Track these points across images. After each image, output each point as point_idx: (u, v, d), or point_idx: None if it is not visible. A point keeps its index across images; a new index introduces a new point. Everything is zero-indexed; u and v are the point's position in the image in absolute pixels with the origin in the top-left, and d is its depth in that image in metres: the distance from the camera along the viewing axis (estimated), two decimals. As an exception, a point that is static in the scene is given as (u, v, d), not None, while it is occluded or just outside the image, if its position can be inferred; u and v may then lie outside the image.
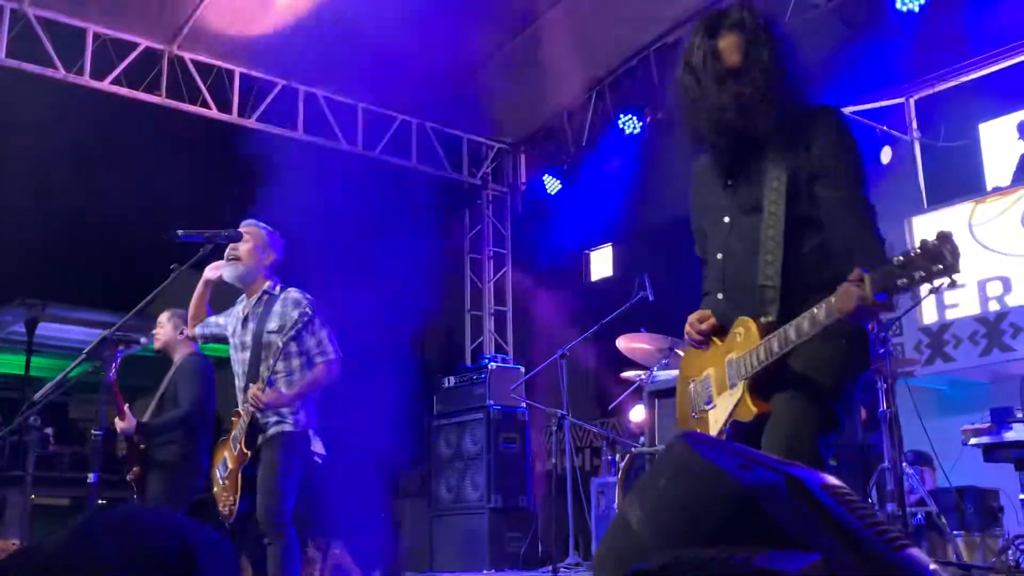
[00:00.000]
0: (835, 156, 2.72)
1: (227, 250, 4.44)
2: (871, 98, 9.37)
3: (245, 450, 4.23)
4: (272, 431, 4.32)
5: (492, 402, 7.87)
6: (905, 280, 2.20)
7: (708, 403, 2.85)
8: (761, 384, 2.65)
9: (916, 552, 1.15)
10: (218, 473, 4.42)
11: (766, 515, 1.09)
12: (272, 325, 4.36)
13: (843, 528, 1.08)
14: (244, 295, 4.60)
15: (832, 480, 1.21)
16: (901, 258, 2.22)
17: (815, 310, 2.47)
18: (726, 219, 2.87)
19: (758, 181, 2.77)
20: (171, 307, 5.73)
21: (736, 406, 2.70)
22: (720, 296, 2.87)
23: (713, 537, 1.12)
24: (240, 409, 4.36)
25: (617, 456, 6.70)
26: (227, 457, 4.36)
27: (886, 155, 9.68)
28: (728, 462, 1.17)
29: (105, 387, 4.47)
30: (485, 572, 7.16)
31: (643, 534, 1.19)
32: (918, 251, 2.16)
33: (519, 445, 7.96)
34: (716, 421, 2.79)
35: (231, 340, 4.58)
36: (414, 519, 7.96)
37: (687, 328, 2.90)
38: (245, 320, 4.51)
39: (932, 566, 1.12)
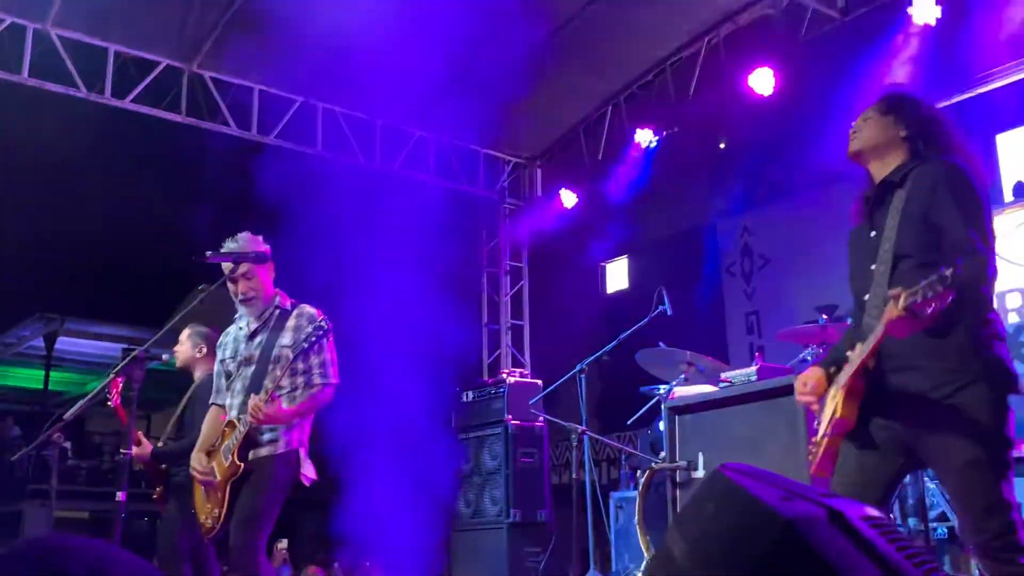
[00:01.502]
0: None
1: (239, 290, 4.35)
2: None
3: (238, 462, 4.11)
4: (264, 451, 4.18)
5: (510, 417, 7.88)
6: (920, 298, 2.45)
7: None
8: (857, 396, 2.84)
9: (955, 583, 1.17)
10: (198, 473, 4.31)
11: (808, 547, 1.11)
12: (286, 340, 4.25)
13: (885, 561, 1.10)
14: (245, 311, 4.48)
15: (873, 512, 1.23)
16: (926, 278, 2.47)
17: (878, 326, 2.68)
18: None
19: None
20: (193, 323, 5.75)
21: (831, 413, 2.88)
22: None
23: (756, 569, 1.14)
24: (235, 419, 4.23)
25: (637, 472, 6.69)
26: (215, 468, 4.22)
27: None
28: (769, 494, 1.19)
29: (118, 410, 4.52)
30: (504, 587, 7.17)
31: (686, 565, 1.21)
32: (935, 276, 2.44)
33: (537, 460, 7.95)
34: (822, 426, 2.95)
35: (227, 361, 4.46)
36: (433, 534, 7.97)
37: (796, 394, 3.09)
38: (253, 335, 4.38)
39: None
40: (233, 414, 4.26)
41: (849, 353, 2.90)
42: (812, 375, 3.04)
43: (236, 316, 4.53)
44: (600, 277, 11.46)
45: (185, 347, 5.70)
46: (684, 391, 6.02)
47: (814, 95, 8.20)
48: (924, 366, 2.77)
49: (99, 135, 8.68)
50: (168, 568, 5.26)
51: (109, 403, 4.62)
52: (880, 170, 3.03)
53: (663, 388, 6.39)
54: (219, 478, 4.15)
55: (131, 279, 11.62)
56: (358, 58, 8.08)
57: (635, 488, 6.83)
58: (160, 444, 5.51)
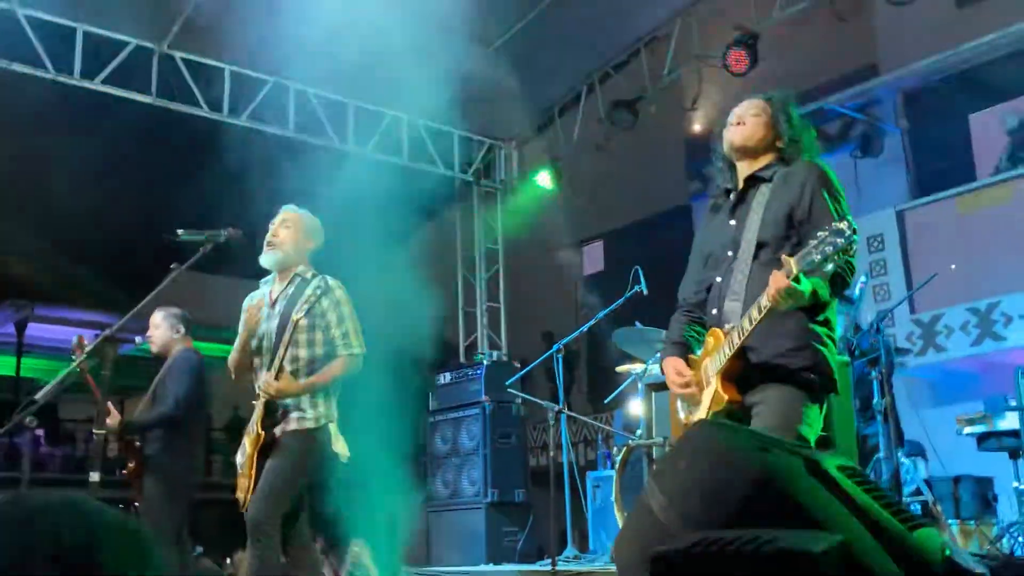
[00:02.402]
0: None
1: (268, 235, 4.23)
2: (860, 91, 9.41)
3: (260, 431, 4.02)
4: (292, 425, 4.06)
5: (487, 398, 7.88)
6: (818, 256, 2.59)
7: (692, 409, 3.15)
8: (732, 377, 2.96)
9: (931, 531, 1.17)
10: (238, 460, 4.20)
11: (786, 495, 1.11)
12: (302, 311, 4.06)
13: (862, 509, 1.10)
14: (271, 278, 4.34)
15: (847, 462, 1.23)
16: (812, 240, 2.62)
17: (761, 297, 2.80)
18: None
19: None
20: (165, 306, 5.68)
21: (712, 399, 2.99)
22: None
23: (735, 518, 1.13)
24: (259, 392, 4.13)
25: (614, 450, 6.71)
26: (246, 442, 4.13)
27: (876, 147, 9.72)
28: (746, 445, 1.19)
29: (92, 384, 4.45)
30: (483, 567, 7.16)
31: (665, 518, 1.20)
32: (827, 230, 2.60)
33: (515, 440, 7.97)
34: (701, 417, 3.04)
35: (255, 329, 4.26)
36: (411, 515, 7.96)
37: (671, 385, 3.19)
38: (273, 304, 4.24)
39: (946, 541, 1.14)
40: (257, 385, 4.17)
41: (710, 339, 3.06)
42: (680, 366, 3.16)
43: (263, 280, 4.38)
44: (577, 259, 11.46)
45: (162, 330, 5.62)
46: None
47: (790, 71, 8.23)
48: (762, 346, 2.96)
49: (68, 116, 8.54)
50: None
51: (78, 367, 4.49)
52: (749, 167, 3.18)
53: (640, 367, 6.41)
54: (249, 449, 4.08)
55: (102, 264, 11.48)
56: (331, 38, 8.00)
57: (612, 468, 6.86)
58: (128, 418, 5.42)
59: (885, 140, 9.64)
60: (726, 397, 2.94)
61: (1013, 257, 8.14)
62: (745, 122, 3.16)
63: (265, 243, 4.25)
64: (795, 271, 2.65)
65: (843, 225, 2.57)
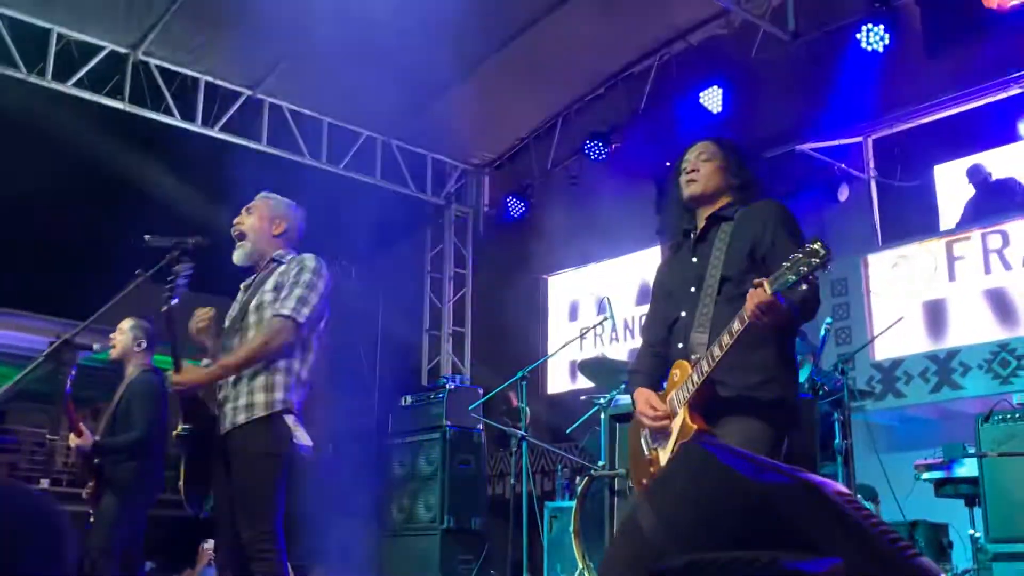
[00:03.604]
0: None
1: (235, 220, 3.92)
2: (831, 136, 9.55)
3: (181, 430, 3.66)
4: (240, 417, 3.57)
5: (449, 422, 7.81)
6: (792, 276, 2.62)
7: (657, 441, 3.11)
8: (700, 407, 2.97)
9: (927, 561, 1.16)
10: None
11: (783, 518, 1.09)
12: (268, 286, 3.69)
13: (860, 534, 1.08)
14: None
15: (843, 488, 1.21)
16: (787, 261, 2.65)
17: (732, 323, 2.83)
18: None
19: None
20: (130, 315, 5.59)
21: (680, 430, 2.98)
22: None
23: (730, 539, 1.11)
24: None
25: (576, 479, 6.67)
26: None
27: (843, 193, 9.84)
28: (743, 465, 1.17)
29: (64, 396, 4.34)
30: (436, 594, 7.09)
31: (657, 537, 1.18)
32: (800, 252, 2.62)
33: (475, 467, 7.90)
34: (666, 453, 3.05)
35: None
36: (365, 539, 7.86)
37: (644, 420, 3.11)
38: (247, 289, 3.88)
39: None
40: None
41: (675, 371, 3.07)
42: (652, 398, 3.11)
43: (243, 284, 4.03)
44: (543, 289, 11.45)
45: (125, 337, 5.53)
46: (626, 399, 6.03)
47: (763, 115, 8.32)
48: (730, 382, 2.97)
49: (37, 120, 8.41)
50: (99, 567, 5.10)
51: (67, 381, 4.35)
52: (708, 209, 3.23)
53: (604, 398, 6.39)
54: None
55: (62, 269, 11.29)
56: (309, 54, 7.99)
57: (571, 498, 6.82)
58: (98, 439, 5.31)
59: (852, 186, 9.76)
60: (694, 427, 2.92)
61: (971, 307, 8.24)
62: (699, 169, 3.20)
63: (234, 235, 3.93)
64: (770, 291, 2.68)
65: (817, 246, 2.59)
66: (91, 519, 5.27)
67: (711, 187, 3.19)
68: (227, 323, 3.92)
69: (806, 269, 2.59)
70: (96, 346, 5.68)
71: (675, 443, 2.98)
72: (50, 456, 4.52)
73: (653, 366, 3.26)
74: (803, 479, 1.14)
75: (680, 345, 3.12)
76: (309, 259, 3.78)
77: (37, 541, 1.11)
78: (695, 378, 2.95)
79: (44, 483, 4.20)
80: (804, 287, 2.70)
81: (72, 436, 5.02)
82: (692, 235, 3.24)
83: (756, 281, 2.73)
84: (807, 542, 1.07)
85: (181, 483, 3.82)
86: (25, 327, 12.89)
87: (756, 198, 3.21)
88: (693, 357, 3.00)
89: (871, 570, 1.04)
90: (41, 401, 12.04)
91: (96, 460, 5.23)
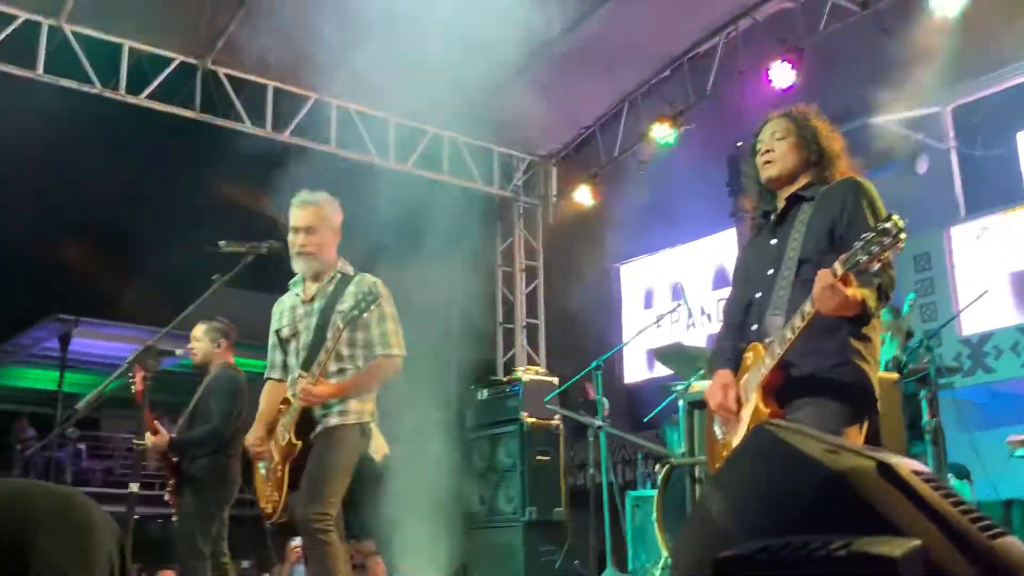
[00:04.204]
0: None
1: (298, 242, 4.06)
2: (907, 107, 9.28)
3: (295, 440, 3.87)
4: (328, 423, 3.91)
5: (526, 414, 7.80)
6: (864, 256, 2.52)
7: (729, 426, 3.06)
8: (773, 391, 2.89)
9: (1014, 540, 1.10)
10: (261, 467, 4.05)
11: (858, 500, 1.04)
12: (344, 306, 3.91)
13: (939, 514, 1.03)
14: (299, 279, 4.20)
15: (920, 466, 1.16)
16: (858, 242, 2.55)
17: (805, 304, 2.75)
18: None
19: None
20: (207, 319, 5.71)
21: (752, 414, 2.90)
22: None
23: (802, 523, 1.07)
24: (289, 397, 3.98)
25: (656, 467, 6.61)
26: (272, 449, 3.97)
27: (922, 165, 9.58)
28: (814, 448, 1.12)
29: (143, 398, 4.44)
30: (520, 585, 7.09)
31: (727, 523, 1.14)
32: (872, 231, 2.53)
33: (553, 458, 7.87)
34: (738, 438, 2.96)
35: (283, 330, 4.18)
36: (448, 533, 7.89)
37: (711, 400, 3.08)
38: (311, 300, 4.09)
39: (1032, 554, 1.07)
40: (289, 391, 4.02)
41: (749, 354, 3.01)
42: (729, 387, 3.05)
43: (291, 282, 4.24)
44: (615, 278, 11.38)
45: (203, 343, 5.65)
46: (703, 385, 5.94)
47: (835, 89, 8.12)
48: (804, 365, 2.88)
49: (115, 133, 8.66)
50: (190, 569, 5.21)
51: (133, 386, 4.49)
52: (788, 189, 3.13)
53: (681, 385, 6.31)
54: (276, 457, 3.92)
55: (145, 279, 11.60)
56: (372, 55, 8.04)
57: (652, 487, 6.76)
58: (173, 436, 5.44)
59: (931, 158, 9.49)
60: (767, 411, 2.85)
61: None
62: (774, 150, 3.10)
63: (296, 253, 4.09)
64: (841, 270, 2.58)
65: (889, 224, 2.48)
66: (174, 519, 5.39)
67: (789, 168, 3.09)
68: (288, 331, 4.13)
69: (878, 248, 2.50)
70: (179, 351, 5.84)
71: (747, 428, 2.91)
72: (140, 460, 4.64)
73: (733, 349, 3.18)
74: (877, 459, 1.09)
75: (755, 327, 3.05)
76: (377, 286, 3.98)
77: (54, 537, 1.06)
78: (768, 361, 2.88)
79: (134, 486, 4.28)
80: (877, 270, 2.62)
81: (148, 436, 5.11)
82: (772, 217, 3.17)
83: (834, 266, 2.63)
84: (884, 524, 1.02)
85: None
86: (112, 336, 13.29)
87: (836, 172, 3.09)
88: (767, 340, 2.94)
89: (952, 551, 0.99)
90: (132, 408, 12.40)
91: (174, 458, 5.34)
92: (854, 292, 2.65)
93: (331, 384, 3.90)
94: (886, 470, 1.07)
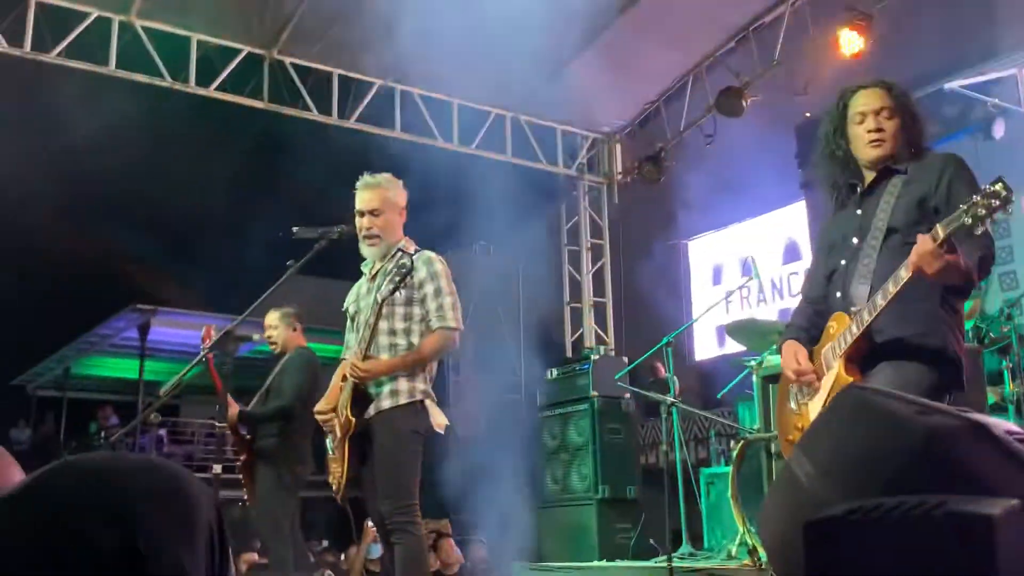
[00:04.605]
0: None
1: (364, 224, 4.09)
2: (980, 70, 9.01)
3: (351, 416, 3.85)
4: (385, 403, 3.89)
5: (596, 393, 7.79)
6: (969, 219, 2.43)
7: (807, 396, 3.02)
8: (857, 360, 2.84)
9: (1117, 500, 1.07)
10: (328, 444, 4.07)
11: (951, 459, 1.03)
12: (391, 286, 3.85)
13: (1037, 473, 1.01)
14: (370, 260, 4.21)
15: (1014, 427, 1.14)
16: (963, 204, 2.47)
17: (899, 270, 2.69)
18: None
19: None
20: (275, 307, 5.81)
21: (834, 383, 2.85)
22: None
23: (893, 484, 1.05)
24: (347, 373, 3.95)
25: (731, 442, 6.57)
26: (335, 426, 3.97)
27: (999, 129, 9.30)
28: (904, 408, 1.11)
29: (226, 379, 4.54)
30: (596, 563, 7.09)
31: (815, 487, 1.13)
32: (978, 195, 2.44)
33: (625, 435, 7.86)
34: (816, 407, 2.94)
35: (349, 309, 4.24)
36: (522, 511, 7.93)
37: (786, 370, 3.05)
38: (373, 278, 4.10)
39: None
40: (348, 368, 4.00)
41: (833, 323, 2.95)
42: (800, 352, 3.02)
43: (363, 264, 4.26)
44: (683, 255, 11.28)
45: (280, 329, 5.77)
46: (777, 360, 5.87)
47: (905, 54, 7.92)
48: (888, 330, 2.84)
49: (186, 125, 8.84)
50: (273, 546, 5.30)
51: (204, 357, 4.58)
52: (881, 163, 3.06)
53: (754, 360, 6.24)
54: (339, 433, 3.94)
55: (219, 268, 11.84)
56: (433, 39, 8.07)
57: (726, 464, 6.71)
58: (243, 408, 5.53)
59: (1008, 122, 9.20)
60: (849, 380, 2.80)
61: None
62: (884, 129, 3.00)
63: (363, 237, 4.12)
64: (943, 233, 2.51)
65: (998, 187, 2.40)
66: (244, 497, 5.47)
67: (897, 148, 3.02)
68: (354, 309, 4.17)
69: (984, 212, 2.41)
70: (256, 336, 5.96)
71: (828, 397, 2.86)
72: (221, 444, 4.75)
73: (809, 321, 3.13)
74: (969, 418, 1.07)
75: (839, 295, 2.99)
76: (439, 262, 4.04)
77: (158, 510, 1.04)
78: (854, 329, 2.83)
79: (217, 468, 4.39)
80: (982, 242, 2.58)
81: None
82: (859, 189, 3.10)
83: (930, 234, 2.56)
84: (978, 484, 1.00)
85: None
86: (190, 324, 13.60)
87: (923, 143, 3.05)
88: (852, 309, 2.89)
89: (1052, 511, 0.97)
90: (211, 394, 12.69)
91: (247, 436, 5.42)
92: (960, 259, 2.57)
93: (380, 360, 3.89)
94: (980, 429, 1.05)
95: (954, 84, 8.86)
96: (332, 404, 4.05)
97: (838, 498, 1.08)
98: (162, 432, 15.99)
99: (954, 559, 0.89)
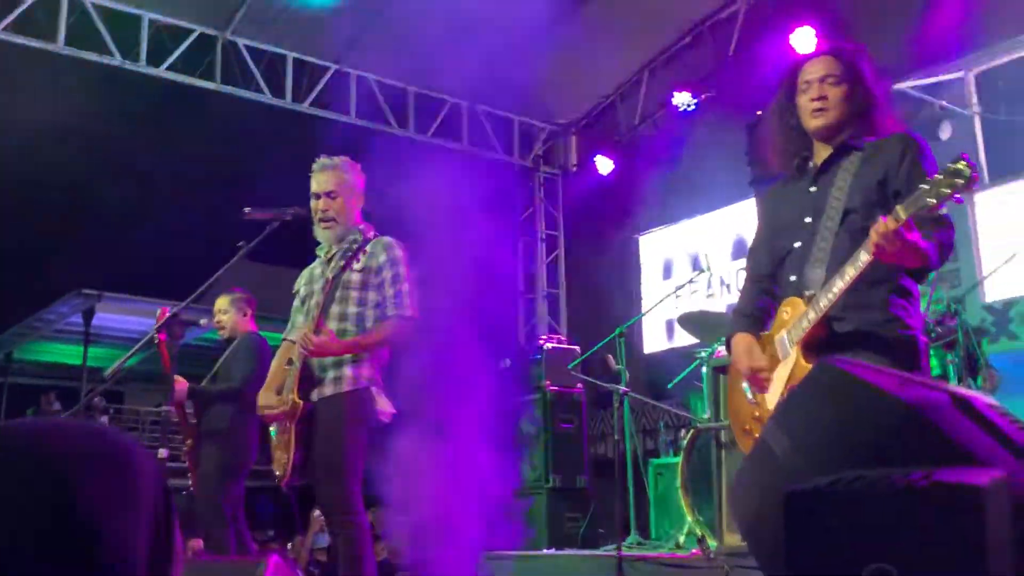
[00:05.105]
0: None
1: (319, 207, 3.99)
2: (930, 72, 9.17)
3: (297, 400, 3.73)
4: (328, 389, 3.80)
5: (549, 383, 7.81)
6: (932, 199, 2.36)
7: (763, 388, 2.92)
8: (815, 348, 2.73)
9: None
10: (272, 430, 3.96)
11: (935, 430, 1.03)
12: (358, 265, 3.80)
13: (1014, 442, 1.02)
14: (325, 245, 4.12)
15: (994, 401, 1.15)
16: (924, 184, 2.39)
17: (858, 253, 2.59)
18: None
19: None
20: (225, 292, 5.73)
21: (791, 372, 2.76)
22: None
23: (873, 457, 1.06)
24: (292, 356, 3.85)
25: (681, 432, 6.62)
26: (282, 411, 3.84)
27: (945, 131, 9.48)
28: (885, 381, 1.11)
29: (173, 361, 4.47)
30: (545, 551, 7.11)
31: (793, 460, 1.13)
32: (941, 174, 2.36)
33: (576, 426, 7.89)
34: (773, 396, 2.84)
35: (300, 291, 4.14)
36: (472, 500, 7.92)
37: (738, 364, 2.96)
38: (329, 261, 3.99)
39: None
40: (294, 350, 3.89)
41: (786, 309, 2.84)
42: (753, 347, 2.92)
43: (317, 248, 4.14)
44: (635, 249, 11.34)
45: (230, 314, 5.68)
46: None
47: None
48: (849, 318, 2.76)
49: (134, 105, 8.66)
50: (212, 529, 5.23)
51: (155, 336, 4.47)
52: (835, 139, 2.93)
53: (705, 352, 6.29)
54: (284, 420, 3.82)
55: (168, 252, 11.64)
56: (392, 25, 8.01)
57: (675, 455, 6.76)
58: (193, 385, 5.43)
59: (955, 124, 9.38)
60: (808, 368, 2.66)
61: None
62: (827, 96, 2.87)
63: (318, 219, 4.02)
64: (904, 215, 2.43)
65: (961, 165, 2.33)
66: (190, 483, 5.38)
67: (841, 117, 2.88)
68: (305, 291, 4.08)
69: (948, 191, 2.34)
70: (203, 321, 5.86)
71: (787, 384, 2.77)
72: (166, 430, 4.65)
73: (756, 305, 3.03)
74: (952, 391, 1.08)
75: (793, 278, 2.88)
76: (394, 247, 3.95)
77: (98, 475, 0.99)
78: (811, 315, 2.73)
79: (163, 452, 4.30)
80: (939, 227, 2.53)
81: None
82: (812, 164, 2.97)
83: (891, 215, 2.48)
84: (962, 455, 1.01)
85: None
86: (135, 310, 13.34)
87: (885, 121, 2.90)
88: (807, 293, 2.79)
89: (1033, 482, 0.98)
90: (156, 381, 12.46)
91: (193, 419, 5.32)
92: (920, 242, 2.49)
93: (331, 336, 3.77)
94: (962, 401, 1.06)
95: (904, 85, 9.00)
96: (276, 390, 3.94)
97: (818, 470, 1.09)
98: (104, 419, 15.67)
99: (943, 529, 0.89)
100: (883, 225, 2.46)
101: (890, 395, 1.07)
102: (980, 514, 0.90)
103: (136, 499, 1.00)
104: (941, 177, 2.36)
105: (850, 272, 2.63)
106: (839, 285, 2.66)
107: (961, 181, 2.33)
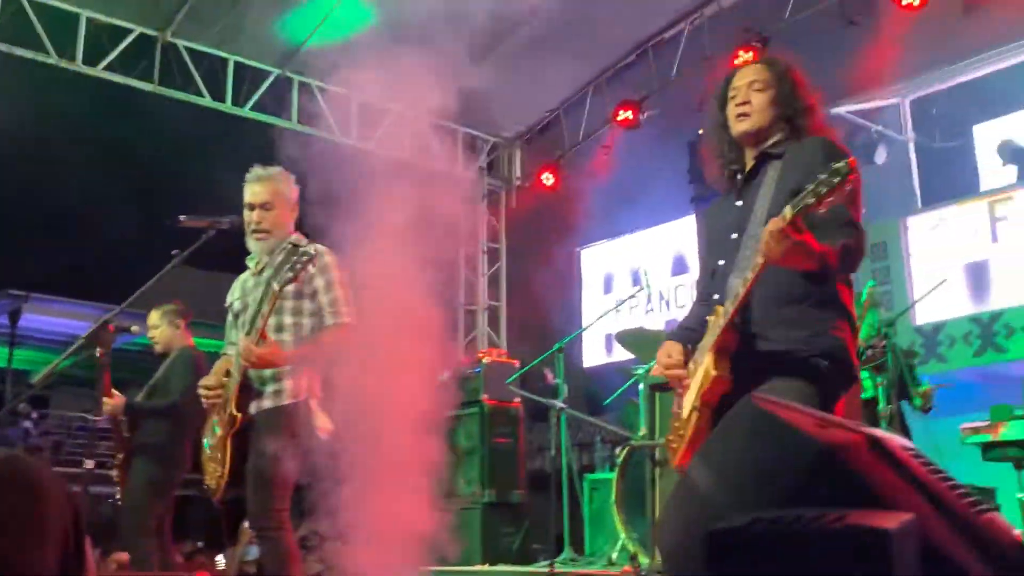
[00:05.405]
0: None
1: (254, 219, 3.90)
2: (866, 98, 9.38)
3: (235, 413, 3.65)
4: (267, 403, 3.73)
5: (486, 396, 7.79)
6: (812, 199, 2.37)
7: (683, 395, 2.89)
8: (725, 352, 2.70)
9: (999, 516, 1.10)
10: (205, 442, 3.87)
11: (849, 474, 1.04)
12: (290, 274, 3.66)
13: (930, 490, 1.04)
14: (255, 255, 4.02)
15: (909, 443, 1.16)
16: (809, 185, 2.40)
17: (755, 256, 2.57)
18: None
19: None
20: (160, 300, 5.63)
21: (702, 375, 2.70)
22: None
23: (792, 497, 1.06)
24: (231, 369, 3.77)
25: (616, 449, 6.65)
26: (215, 422, 3.78)
27: (881, 155, 9.69)
28: (804, 421, 1.12)
29: (99, 366, 4.37)
30: (478, 567, 7.08)
31: (715, 497, 1.13)
32: (824, 173, 2.37)
33: (513, 440, 7.88)
34: (687, 402, 2.77)
35: (234, 304, 4.03)
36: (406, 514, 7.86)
37: (659, 365, 2.93)
38: (260, 272, 3.91)
39: (1017, 532, 1.07)
40: (233, 363, 3.79)
41: (710, 318, 2.80)
42: (673, 347, 2.89)
43: (248, 258, 4.04)
44: (576, 263, 11.40)
45: (162, 327, 5.60)
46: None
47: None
48: (773, 336, 2.72)
49: (69, 105, 8.47)
50: (135, 543, 5.15)
51: (96, 354, 4.38)
52: (757, 147, 2.91)
53: (642, 368, 6.34)
54: (220, 431, 3.74)
55: (100, 254, 11.39)
56: (336, 31, 7.96)
57: (610, 470, 6.80)
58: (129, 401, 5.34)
59: (889, 148, 9.60)
60: (714, 372, 2.65)
61: (1015, 268, 8.09)
62: (751, 102, 2.85)
63: (251, 231, 3.94)
64: (791, 214, 2.39)
65: (840, 164, 2.33)
66: (118, 496, 5.29)
67: (765, 122, 2.84)
68: (239, 305, 3.98)
69: (826, 189, 2.34)
70: (135, 328, 5.75)
71: (698, 391, 2.71)
72: (93, 437, 4.56)
73: (697, 320, 2.97)
74: (867, 434, 1.09)
75: (716, 296, 2.85)
76: (328, 255, 3.91)
77: (5, 506, 0.96)
78: (721, 321, 2.69)
79: (89, 463, 4.20)
80: (847, 229, 2.52)
81: (105, 399, 5.01)
82: (739, 176, 2.94)
83: (779, 215, 2.45)
84: (874, 498, 1.02)
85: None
86: (63, 312, 13.04)
87: (811, 127, 2.85)
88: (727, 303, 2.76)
89: (943, 526, 0.99)
90: (85, 385, 12.18)
91: (126, 433, 5.24)
92: (810, 240, 2.46)
93: (274, 347, 3.66)
94: (877, 444, 1.07)
95: (841, 109, 9.19)
96: (218, 382, 3.83)
97: (737, 508, 1.09)
98: (28, 424, 15.27)
99: (853, 572, 0.90)
100: (770, 225, 2.45)
101: (807, 436, 1.08)
102: (887, 557, 0.91)
103: (44, 521, 0.97)
104: (824, 177, 2.36)
105: (748, 275, 2.61)
106: (740, 289, 2.64)
107: (837, 179, 2.33)
